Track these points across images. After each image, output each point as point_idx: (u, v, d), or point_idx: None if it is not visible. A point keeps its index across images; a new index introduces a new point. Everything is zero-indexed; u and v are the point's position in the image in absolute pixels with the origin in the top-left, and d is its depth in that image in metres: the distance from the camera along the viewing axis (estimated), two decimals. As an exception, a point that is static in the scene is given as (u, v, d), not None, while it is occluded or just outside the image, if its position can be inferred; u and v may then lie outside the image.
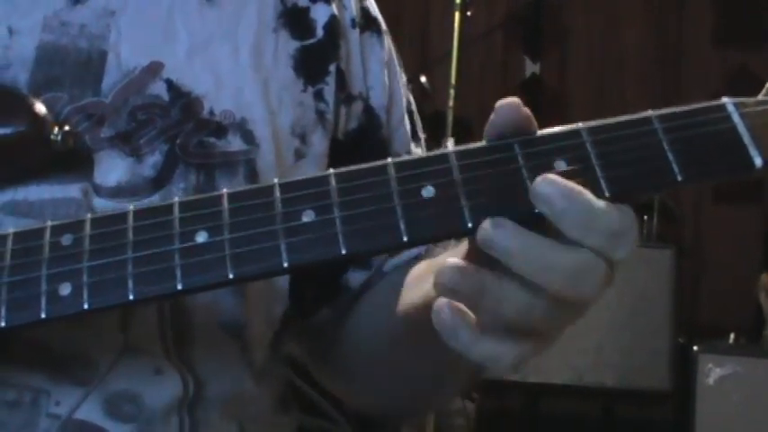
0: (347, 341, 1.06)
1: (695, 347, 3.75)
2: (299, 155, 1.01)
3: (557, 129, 0.73)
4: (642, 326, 3.99)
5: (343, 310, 1.07)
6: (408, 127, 1.12)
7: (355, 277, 1.06)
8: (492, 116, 0.74)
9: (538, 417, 4.51)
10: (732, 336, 4.01)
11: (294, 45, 1.04)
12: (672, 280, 4.00)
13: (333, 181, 0.73)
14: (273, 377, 1.04)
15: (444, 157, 0.73)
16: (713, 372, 3.68)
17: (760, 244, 4.87)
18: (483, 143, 0.74)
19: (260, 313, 0.99)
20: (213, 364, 0.94)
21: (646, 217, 4.54)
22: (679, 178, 0.71)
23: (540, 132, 0.73)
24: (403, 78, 1.15)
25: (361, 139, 1.07)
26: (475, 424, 3.90)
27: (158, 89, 0.95)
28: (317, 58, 1.05)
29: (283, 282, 1.01)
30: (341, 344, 1.07)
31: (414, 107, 1.16)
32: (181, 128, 0.95)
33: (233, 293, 0.95)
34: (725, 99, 0.73)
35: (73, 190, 0.90)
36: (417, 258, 1.02)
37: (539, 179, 0.70)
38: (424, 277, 0.87)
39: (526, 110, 0.74)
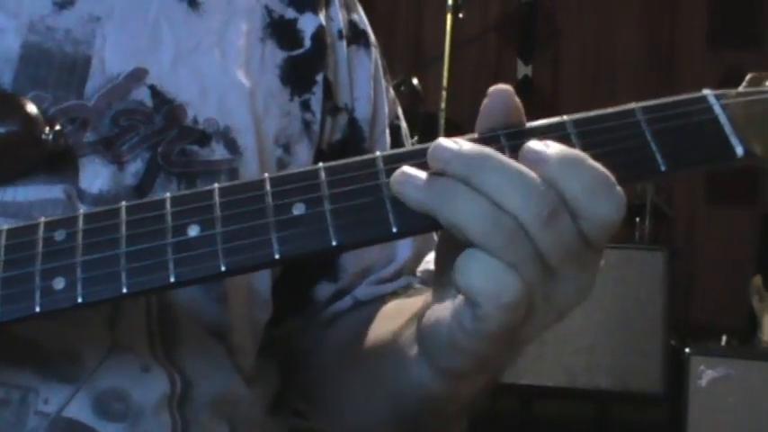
0: (318, 368, 1.07)
1: (687, 349, 3.75)
2: (281, 164, 1.01)
3: (542, 121, 0.74)
4: (635, 328, 4.00)
5: (312, 326, 1.07)
6: (389, 140, 1.12)
7: (323, 289, 1.07)
8: (486, 102, 0.75)
9: (531, 419, 4.52)
10: (724, 338, 4.02)
11: (281, 55, 1.04)
12: (664, 282, 4.01)
13: (322, 174, 0.74)
14: (265, 380, 1.04)
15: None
16: (705, 374, 3.68)
17: (753, 246, 4.89)
18: (473, 135, 0.74)
19: (243, 320, 0.99)
20: (200, 365, 0.94)
21: (638, 219, 4.55)
22: (662, 168, 0.72)
23: (526, 125, 0.74)
24: (390, 92, 1.15)
25: (345, 151, 1.06)
26: (468, 426, 3.91)
27: (142, 95, 0.95)
28: (304, 67, 1.05)
29: (265, 289, 1.01)
30: (310, 368, 1.07)
31: (402, 121, 1.16)
32: (163, 135, 0.94)
33: (215, 300, 0.95)
34: (706, 91, 0.75)
35: (58, 191, 0.90)
36: (394, 294, 1.04)
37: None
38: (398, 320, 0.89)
39: (517, 100, 0.75)
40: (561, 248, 0.70)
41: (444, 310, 0.75)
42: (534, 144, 0.71)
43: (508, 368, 0.84)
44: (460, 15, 4.27)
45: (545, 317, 0.74)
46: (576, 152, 0.70)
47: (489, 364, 0.79)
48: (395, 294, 1.05)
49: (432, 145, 0.72)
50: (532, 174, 0.70)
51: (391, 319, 0.93)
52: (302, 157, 1.03)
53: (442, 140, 0.72)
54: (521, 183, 0.69)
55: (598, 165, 0.70)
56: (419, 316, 0.79)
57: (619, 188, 0.70)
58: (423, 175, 0.71)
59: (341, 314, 1.07)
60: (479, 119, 0.75)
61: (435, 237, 0.96)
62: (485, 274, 0.69)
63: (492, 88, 0.75)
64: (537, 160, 0.70)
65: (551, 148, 0.70)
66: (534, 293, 0.71)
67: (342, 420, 1.05)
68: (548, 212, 0.69)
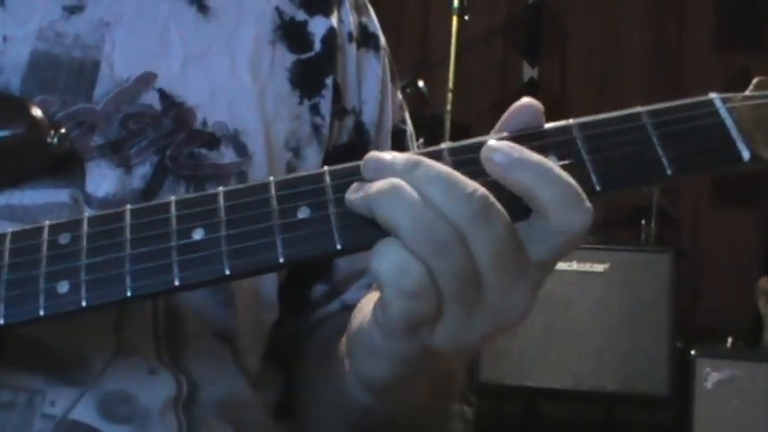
0: (302, 370, 1.06)
1: (693, 352, 3.75)
2: (291, 168, 1.01)
3: (548, 125, 0.74)
4: (640, 330, 3.99)
5: (304, 328, 1.07)
6: (390, 145, 1.12)
7: (317, 290, 1.07)
8: (512, 112, 0.75)
9: (536, 421, 4.51)
10: (730, 340, 4.01)
11: (291, 58, 1.04)
12: (670, 284, 4.00)
13: (327, 178, 0.74)
14: (270, 383, 1.05)
15: (438, 153, 0.74)
16: (711, 376, 3.68)
17: (758, 248, 4.88)
18: (475, 139, 0.74)
19: (250, 323, 0.99)
20: (206, 368, 0.94)
21: (644, 221, 4.54)
22: (668, 172, 0.72)
23: (531, 128, 0.74)
24: (397, 96, 1.15)
25: (350, 154, 1.06)
26: (473, 428, 3.90)
27: (151, 99, 0.95)
28: (314, 71, 1.05)
29: (272, 292, 1.01)
30: (297, 370, 1.07)
31: (407, 125, 1.16)
32: (172, 138, 0.95)
33: (222, 303, 0.95)
34: (712, 95, 0.75)
35: (64, 195, 0.90)
36: None
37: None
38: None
39: (542, 118, 0.75)
40: (492, 252, 0.70)
41: (367, 313, 0.76)
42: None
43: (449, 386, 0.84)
44: (466, 18, 4.27)
45: (464, 332, 0.73)
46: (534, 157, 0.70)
47: (410, 375, 0.79)
48: None
49: (365, 158, 0.72)
50: (461, 177, 0.70)
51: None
52: (312, 161, 1.03)
53: (375, 153, 0.72)
54: (447, 184, 0.69)
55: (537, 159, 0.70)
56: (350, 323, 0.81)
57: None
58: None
59: (328, 317, 1.07)
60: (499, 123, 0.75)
61: None
62: (391, 260, 0.70)
63: (522, 101, 0.75)
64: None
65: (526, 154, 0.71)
66: (450, 299, 0.71)
67: (313, 426, 1.05)
68: (473, 212, 0.69)
